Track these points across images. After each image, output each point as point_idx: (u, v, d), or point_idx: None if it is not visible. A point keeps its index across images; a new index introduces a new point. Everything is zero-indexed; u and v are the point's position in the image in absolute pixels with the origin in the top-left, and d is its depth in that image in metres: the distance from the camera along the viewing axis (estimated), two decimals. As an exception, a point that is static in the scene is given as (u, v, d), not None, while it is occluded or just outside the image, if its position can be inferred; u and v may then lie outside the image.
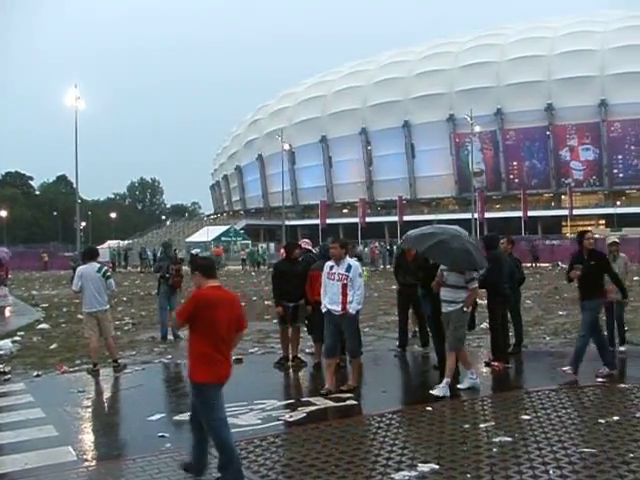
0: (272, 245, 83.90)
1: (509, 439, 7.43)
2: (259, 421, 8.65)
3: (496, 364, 11.55)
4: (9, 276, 29.22)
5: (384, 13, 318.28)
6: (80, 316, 15.68)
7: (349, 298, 10.00)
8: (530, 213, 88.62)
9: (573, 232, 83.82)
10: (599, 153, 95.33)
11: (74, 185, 74.51)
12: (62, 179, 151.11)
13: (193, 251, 58.08)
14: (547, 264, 50.29)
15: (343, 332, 10.27)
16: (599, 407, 8.85)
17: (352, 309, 10.01)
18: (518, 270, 13.10)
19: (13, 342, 15.42)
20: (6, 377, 11.91)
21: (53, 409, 9.59)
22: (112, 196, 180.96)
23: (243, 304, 20.65)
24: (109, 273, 12.87)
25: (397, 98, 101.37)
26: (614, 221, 77.92)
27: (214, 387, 6.44)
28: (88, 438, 8.51)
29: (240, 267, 59.90)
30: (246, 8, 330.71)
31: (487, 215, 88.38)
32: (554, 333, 15.32)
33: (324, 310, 10.24)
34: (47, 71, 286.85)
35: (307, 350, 13.46)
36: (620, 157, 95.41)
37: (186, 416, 9.00)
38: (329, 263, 10.33)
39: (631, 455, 6.80)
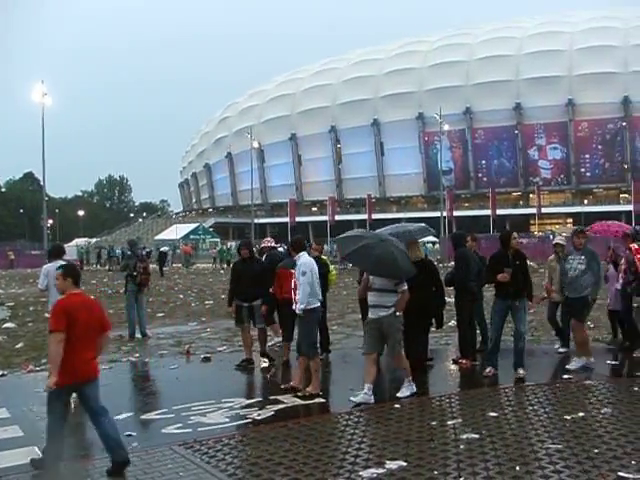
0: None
1: (476, 436, 7.46)
2: (227, 419, 8.63)
3: (464, 361, 11.62)
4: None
5: (354, 12, 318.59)
6: (47, 315, 15.53)
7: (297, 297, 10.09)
8: (499, 211, 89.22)
9: (541, 230, 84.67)
10: (567, 152, 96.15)
11: (41, 182, 73.90)
12: (29, 176, 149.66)
13: (162, 249, 58.11)
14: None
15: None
16: (565, 404, 8.91)
17: (297, 309, 10.07)
18: (483, 267, 13.17)
19: (-22, 341, 15.28)
20: (-29, 377, 11.78)
21: (18, 409, 9.49)
22: (80, 194, 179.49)
23: (212, 302, 20.53)
24: (75, 271, 12.74)
25: (367, 96, 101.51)
26: (581, 220, 78.47)
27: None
28: (54, 438, 8.42)
29: (211, 265, 59.81)
30: (215, 7, 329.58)
31: (456, 213, 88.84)
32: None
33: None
34: (14, 67, 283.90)
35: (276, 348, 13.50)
36: (587, 156, 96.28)
37: (154, 415, 9.02)
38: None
39: (596, 450, 6.87)
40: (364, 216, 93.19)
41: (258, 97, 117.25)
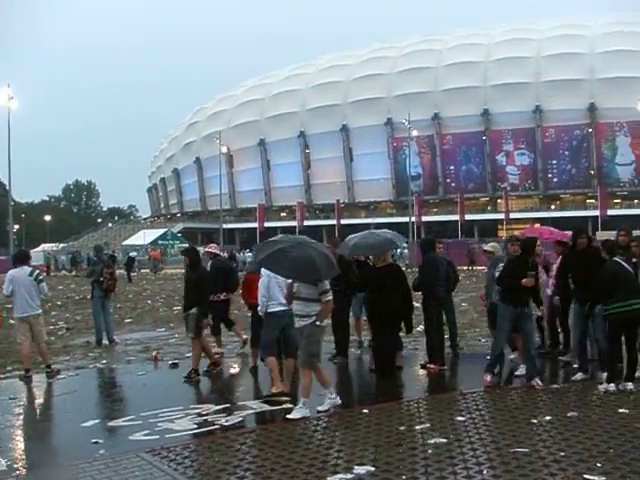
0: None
1: (444, 440, 7.47)
2: (195, 426, 8.58)
3: (432, 366, 11.64)
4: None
5: (322, 17, 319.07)
6: (12, 321, 15.37)
7: None
8: (467, 217, 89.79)
9: (509, 235, 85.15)
10: (534, 158, 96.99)
11: (7, 187, 73.14)
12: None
13: (131, 254, 57.82)
14: (483, 267, 50.77)
15: (284, 333, 10.41)
16: (532, 407, 8.96)
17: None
18: (452, 272, 13.23)
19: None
20: None
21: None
22: (47, 198, 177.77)
23: (180, 308, 20.52)
24: (41, 277, 12.64)
25: (336, 102, 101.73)
26: (548, 225, 79.20)
27: None
28: (19, 446, 8.31)
29: (180, 270, 59.31)
30: (184, 10, 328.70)
31: (424, 219, 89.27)
32: (489, 335, 15.48)
33: None
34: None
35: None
36: (554, 162, 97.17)
37: (121, 421, 8.95)
38: None
39: (562, 454, 6.91)
40: (333, 221, 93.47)
41: (227, 102, 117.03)
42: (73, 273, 59.07)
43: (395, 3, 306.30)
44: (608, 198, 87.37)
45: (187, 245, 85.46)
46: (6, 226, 73.08)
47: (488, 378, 10.36)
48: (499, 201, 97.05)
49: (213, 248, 14.53)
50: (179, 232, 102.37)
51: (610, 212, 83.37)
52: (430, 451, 7.13)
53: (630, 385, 9.76)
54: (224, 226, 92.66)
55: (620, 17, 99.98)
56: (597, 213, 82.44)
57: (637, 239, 11.05)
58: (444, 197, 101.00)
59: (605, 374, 10.06)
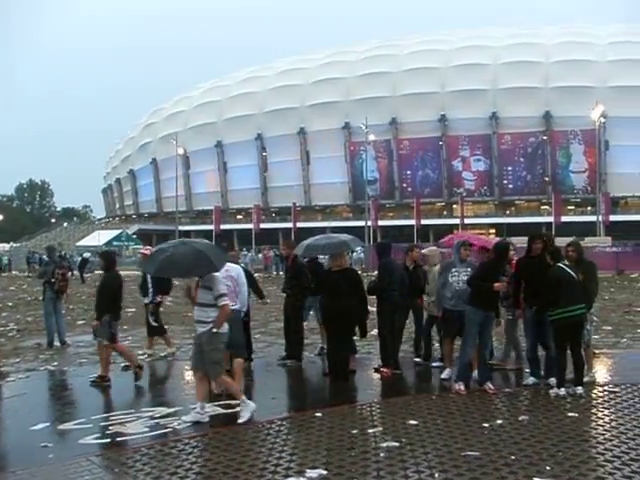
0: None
1: (396, 444, 7.51)
2: (147, 429, 8.51)
3: (385, 370, 11.67)
4: None
5: (281, 21, 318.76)
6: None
7: None
8: (423, 221, 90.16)
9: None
10: (490, 164, 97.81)
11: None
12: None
13: (84, 255, 57.14)
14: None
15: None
16: (484, 411, 9.04)
17: None
18: (409, 277, 13.27)
19: None
20: None
21: None
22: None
23: (134, 309, 20.31)
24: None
25: (293, 105, 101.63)
26: (503, 230, 79.91)
27: None
28: (-34, 450, 8.18)
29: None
30: (142, 14, 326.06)
31: (381, 223, 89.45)
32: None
33: None
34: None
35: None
36: (510, 169, 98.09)
37: (71, 425, 8.85)
38: None
39: (513, 457, 7.00)
40: (289, 224, 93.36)
41: (184, 103, 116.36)
42: (26, 274, 58.30)
43: (355, 7, 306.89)
44: (562, 205, 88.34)
45: (141, 246, 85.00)
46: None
47: (461, 387, 10.30)
48: (455, 206, 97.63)
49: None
50: (134, 233, 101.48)
51: (564, 219, 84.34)
52: (382, 455, 7.16)
53: (580, 389, 9.89)
54: (180, 228, 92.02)
55: (574, 27, 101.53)
56: (551, 219, 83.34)
57: (574, 244, 11.18)
58: (400, 202, 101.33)
59: (554, 379, 10.18)
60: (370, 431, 8.09)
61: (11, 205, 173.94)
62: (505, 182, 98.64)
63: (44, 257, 56.24)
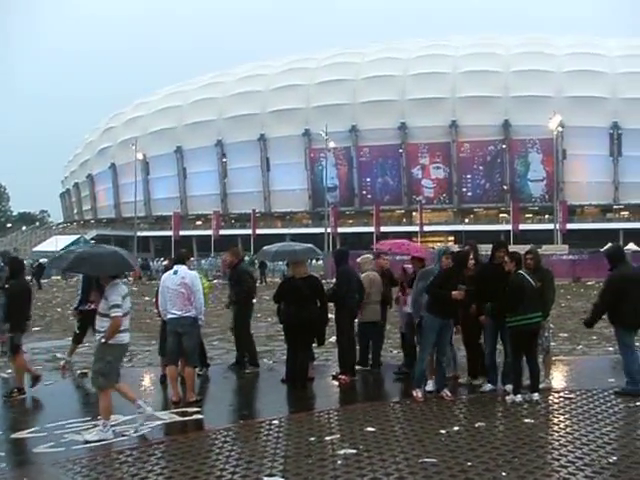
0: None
1: (354, 451, 7.51)
2: (103, 437, 8.40)
3: (343, 377, 11.67)
4: None
5: (242, 27, 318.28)
6: None
7: None
8: (382, 229, 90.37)
9: (443, 247, 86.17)
10: (449, 172, 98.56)
11: None
12: None
13: (41, 261, 56.49)
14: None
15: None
16: (441, 418, 9.07)
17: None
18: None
19: None
20: None
21: None
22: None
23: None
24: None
25: (254, 111, 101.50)
26: (462, 238, 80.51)
27: None
28: None
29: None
30: (102, 18, 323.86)
31: (340, 230, 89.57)
32: (400, 346, 15.61)
33: None
34: None
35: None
36: (469, 176, 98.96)
37: (25, 433, 8.72)
38: None
39: (469, 464, 7.03)
40: (249, 231, 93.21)
41: (144, 108, 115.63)
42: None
43: (316, 14, 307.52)
44: (520, 213, 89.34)
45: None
46: None
47: (419, 394, 10.27)
48: (414, 214, 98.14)
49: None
50: (92, 239, 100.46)
51: (522, 227, 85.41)
52: (339, 462, 7.16)
53: (536, 396, 9.98)
54: (139, 234, 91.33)
55: (533, 37, 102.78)
56: (509, 227, 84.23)
57: (532, 252, 11.30)
58: (360, 209, 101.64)
59: (511, 386, 10.26)
60: (328, 438, 8.08)
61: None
62: (464, 190, 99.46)
63: None
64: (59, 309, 27.94)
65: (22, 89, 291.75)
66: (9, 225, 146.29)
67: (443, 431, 8.34)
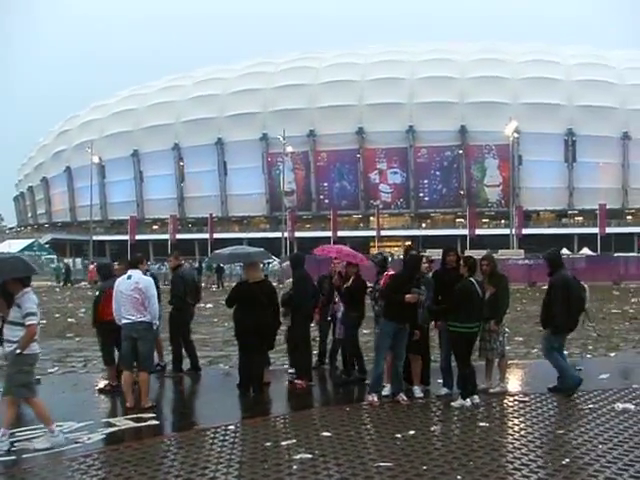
0: (78, 260, 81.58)
1: (309, 456, 7.49)
2: (55, 444, 8.28)
3: (299, 382, 11.64)
4: None
5: (201, 30, 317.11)
6: None
7: None
8: (340, 233, 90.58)
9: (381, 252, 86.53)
10: (406, 177, 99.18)
11: None
12: None
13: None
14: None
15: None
16: (396, 422, 9.08)
17: None
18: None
19: None
20: None
21: None
22: None
23: (45, 321, 19.83)
24: None
25: (211, 115, 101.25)
26: (419, 242, 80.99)
27: None
28: None
29: (49, 283, 57.49)
30: (61, 22, 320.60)
31: (297, 234, 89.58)
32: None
33: None
34: None
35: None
36: (426, 182, 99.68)
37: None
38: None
39: (424, 467, 7.05)
40: (206, 235, 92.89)
41: (100, 111, 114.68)
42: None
43: (275, 18, 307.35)
44: (477, 218, 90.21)
45: (54, 256, 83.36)
46: None
47: (375, 399, 10.24)
48: (371, 218, 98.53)
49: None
50: (47, 243, 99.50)
51: (478, 231, 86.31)
52: (295, 467, 7.14)
53: (476, 398, 10.07)
54: (94, 238, 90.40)
55: (490, 44, 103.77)
56: (466, 232, 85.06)
57: (488, 258, 11.41)
58: (317, 213, 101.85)
59: (459, 390, 10.33)
60: (283, 443, 8.05)
61: None
62: (421, 195, 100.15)
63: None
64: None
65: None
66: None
67: (399, 435, 8.35)
